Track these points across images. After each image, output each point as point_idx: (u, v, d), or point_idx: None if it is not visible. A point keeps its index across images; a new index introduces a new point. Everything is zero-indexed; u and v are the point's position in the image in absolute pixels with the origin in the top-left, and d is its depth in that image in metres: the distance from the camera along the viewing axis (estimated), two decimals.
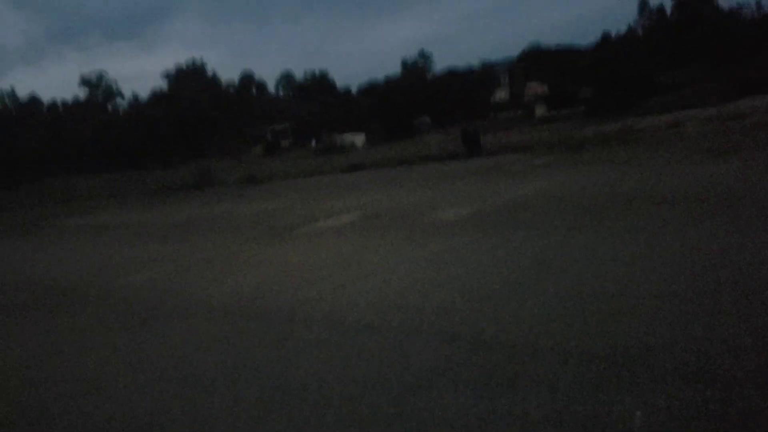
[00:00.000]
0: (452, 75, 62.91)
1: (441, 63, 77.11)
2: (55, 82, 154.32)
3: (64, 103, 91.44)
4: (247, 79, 77.81)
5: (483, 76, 50.30)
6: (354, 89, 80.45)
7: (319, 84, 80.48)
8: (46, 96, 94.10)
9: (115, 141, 71.58)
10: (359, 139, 37.99)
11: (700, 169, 10.42)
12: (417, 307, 5.11)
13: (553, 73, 42.39)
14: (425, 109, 46.94)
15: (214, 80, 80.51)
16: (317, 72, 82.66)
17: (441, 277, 6.03)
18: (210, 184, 25.76)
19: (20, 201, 43.55)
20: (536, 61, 47.99)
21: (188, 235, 12.72)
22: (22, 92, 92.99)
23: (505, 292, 5.20)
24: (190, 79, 79.33)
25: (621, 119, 25.26)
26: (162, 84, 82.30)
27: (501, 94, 46.16)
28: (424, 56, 75.87)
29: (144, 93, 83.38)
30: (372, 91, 71.81)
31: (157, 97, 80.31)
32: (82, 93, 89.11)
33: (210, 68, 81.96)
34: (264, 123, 61.94)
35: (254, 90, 77.80)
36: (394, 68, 75.86)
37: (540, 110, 35.96)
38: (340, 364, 4.14)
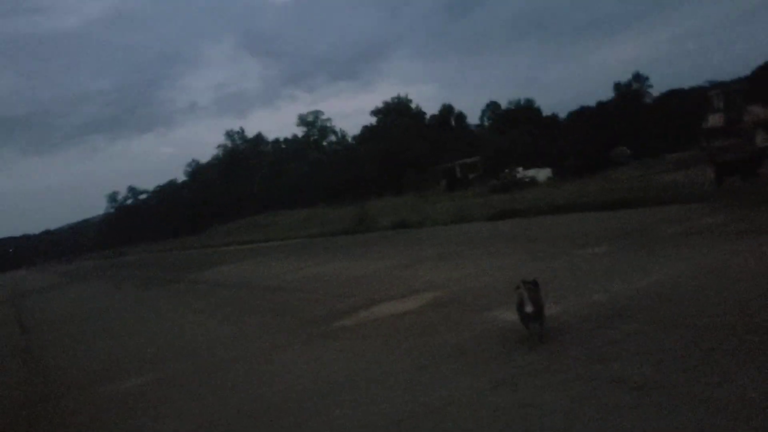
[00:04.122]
0: (668, 97, 56.04)
1: (661, 86, 68.50)
2: (286, 121, 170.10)
3: (286, 141, 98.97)
4: (447, 112, 77.10)
5: (696, 100, 42.92)
6: (563, 116, 75.59)
7: (525, 113, 76.95)
8: (276, 135, 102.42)
9: (325, 177, 75.20)
10: (543, 174, 34.37)
11: None
12: None
13: None
14: (629, 137, 41.47)
15: (418, 115, 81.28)
16: (522, 100, 79.25)
17: None
18: (365, 228, 24.46)
19: (208, 240, 47.21)
20: (765, 80, 39.74)
21: (260, 310, 11.13)
22: (257, 132, 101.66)
23: None
24: (395, 115, 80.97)
25: None
26: (371, 121, 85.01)
27: (714, 120, 38.43)
28: (640, 79, 68.63)
29: (358, 130, 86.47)
30: (578, 117, 66.74)
31: (364, 134, 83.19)
32: (300, 132, 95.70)
33: (416, 103, 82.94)
34: (461, 156, 60.30)
35: (453, 122, 76.78)
36: (607, 94, 68.77)
37: (762, 138, 28.93)
38: None
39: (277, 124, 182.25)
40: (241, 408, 5.49)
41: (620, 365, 4.45)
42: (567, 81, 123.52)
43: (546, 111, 77.37)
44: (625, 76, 70.63)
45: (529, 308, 5.31)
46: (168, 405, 6.14)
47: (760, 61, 49.21)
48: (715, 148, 19.38)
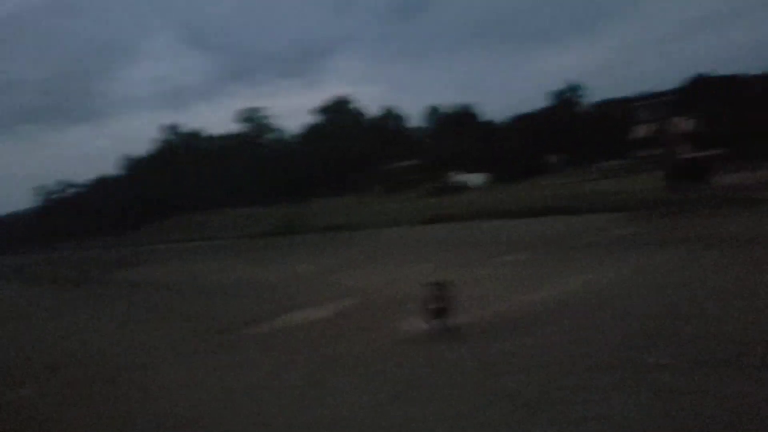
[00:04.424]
0: (600, 107, 57.90)
1: (595, 96, 70.53)
2: (227, 117, 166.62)
3: (226, 137, 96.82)
4: (390, 114, 77.29)
5: (626, 111, 44.37)
6: (501, 122, 76.50)
7: (465, 117, 77.77)
8: (216, 131, 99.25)
9: (266, 175, 74.03)
10: (478, 178, 34.87)
11: None
12: None
13: (715, 106, 35.79)
14: (563, 145, 42.48)
15: (361, 116, 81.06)
16: (463, 105, 79.94)
17: None
18: (300, 229, 24.19)
19: (140, 238, 46.05)
20: (695, 93, 41.28)
21: (174, 315, 10.77)
22: (196, 127, 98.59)
23: None
24: (338, 115, 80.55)
25: None
26: (314, 119, 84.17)
27: (641, 131, 39.74)
28: (575, 88, 70.21)
29: (301, 129, 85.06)
30: (515, 123, 67.95)
31: (306, 133, 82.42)
32: (240, 128, 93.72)
33: (360, 104, 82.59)
34: (402, 158, 60.52)
35: (395, 124, 77.04)
36: (545, 102, 69.84)
37: (686, 148, 30.13)
38: None
39: (218, 119, 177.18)
40: (137, 418, 5.23)
41: (512, 379, 4.44)
42: (507, 87, 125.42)
43: (486, 116, 78.26)
44: (562, 85, 72.03)
45: (431, 306, 5.83)
46: (59, 415, 5.82)
47: (688, 75, 51.30)
48: (666, 153, 20.36)
